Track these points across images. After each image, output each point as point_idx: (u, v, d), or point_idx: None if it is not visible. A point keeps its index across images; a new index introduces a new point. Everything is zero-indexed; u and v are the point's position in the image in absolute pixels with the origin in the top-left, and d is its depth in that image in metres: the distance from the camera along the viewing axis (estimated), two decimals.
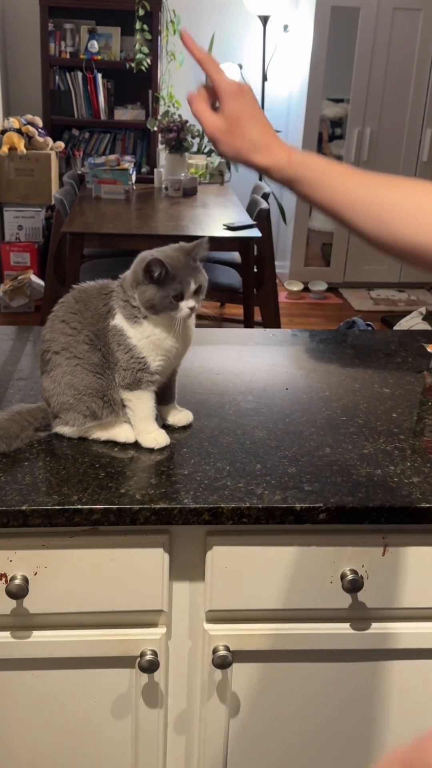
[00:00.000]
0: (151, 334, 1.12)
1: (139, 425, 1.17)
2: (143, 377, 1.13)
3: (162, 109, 4.97)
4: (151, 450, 1.16)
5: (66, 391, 1.14)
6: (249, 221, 3.79)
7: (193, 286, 1.10)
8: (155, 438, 1.17)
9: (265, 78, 5.00)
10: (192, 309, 1.11)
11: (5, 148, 4.69)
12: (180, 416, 1.25)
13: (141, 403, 1.15)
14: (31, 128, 4.78)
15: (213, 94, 0.94)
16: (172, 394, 1.24)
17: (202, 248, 1.12)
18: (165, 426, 1.22)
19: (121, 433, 1.18)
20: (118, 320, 1.13)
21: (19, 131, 4.74)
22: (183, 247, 1.12)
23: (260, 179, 5.01)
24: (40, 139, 4.81)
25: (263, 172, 0.93)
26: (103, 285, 1.17)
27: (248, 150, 0.92)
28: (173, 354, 1.15)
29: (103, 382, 1.14)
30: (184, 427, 1.24)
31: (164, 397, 1.22)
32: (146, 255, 1.10)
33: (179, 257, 1.10)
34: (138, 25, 4.74)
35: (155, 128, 4.71)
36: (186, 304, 1.10)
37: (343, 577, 1.11)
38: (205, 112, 0.93)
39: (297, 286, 5.33)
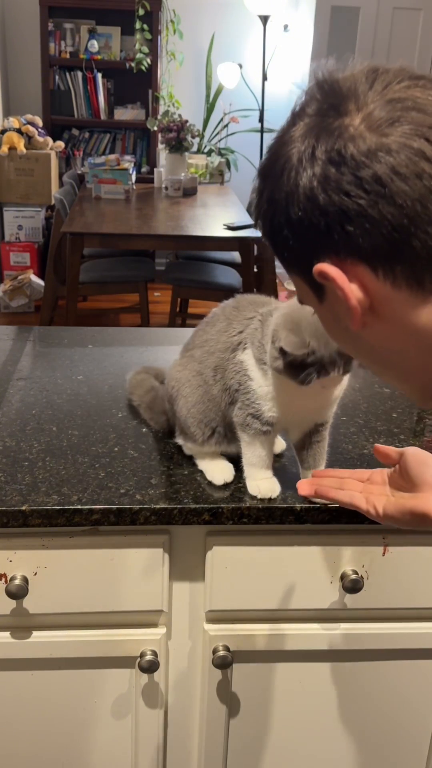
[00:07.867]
0: (273, 384, 1.00)
1: (247, 469, 1.08)
2: (253, 423, 1.03)
3: (162, 108, 4.97)
4: (151, 450, 1.16)
5: (187, 406, 1.09)
6: (249, 221, 3.79)
7: (333, 372, 0.93)
8: (258, 486, 1.07)
9: (265, 78, 4.99)
10: (324, 386, 0.96)
11: (5, 148, 4.68)
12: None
13: (250, 450, 1.06)
14: (30, 128, 4.78)
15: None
16: (311, 459, 1.08)
17: None
18: None
19: (218, 472, 1.10)
20: (247, 356, 1.02)
21: (18, 131, 4.74)
22: None
23: None
24: (40, 139, 4.81)
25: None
26: (248, 310, 1.05)
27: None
28: (297, 410, 1.03)
29: (212, 413, 1.08)
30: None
31: (300, 458, 1.09)
32: (286, 326, 0.93)
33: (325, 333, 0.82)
34: (138, 25, 4.74)
35: (155, 128, 4.71)
36: (318, 383, 0.94)
37: (343, 577, 1.11)
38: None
39: None
